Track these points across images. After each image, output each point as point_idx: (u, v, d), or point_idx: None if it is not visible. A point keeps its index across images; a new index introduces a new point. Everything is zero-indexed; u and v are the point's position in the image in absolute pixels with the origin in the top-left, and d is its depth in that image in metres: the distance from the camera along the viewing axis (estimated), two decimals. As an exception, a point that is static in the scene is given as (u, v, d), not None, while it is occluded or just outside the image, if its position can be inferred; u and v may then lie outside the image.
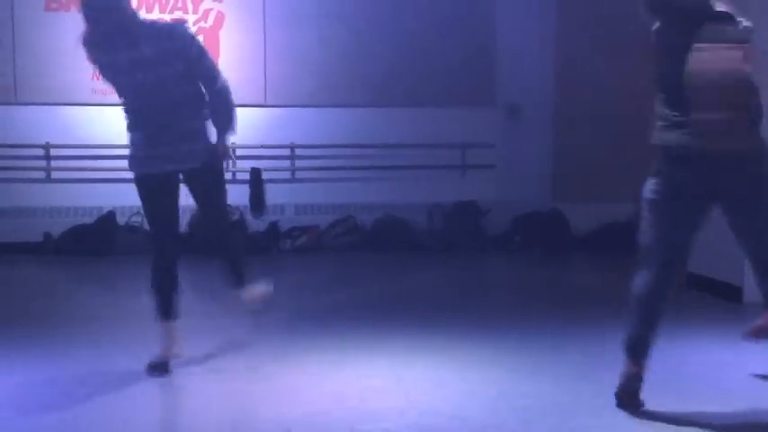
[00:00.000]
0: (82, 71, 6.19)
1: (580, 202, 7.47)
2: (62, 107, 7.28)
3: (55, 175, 7.33)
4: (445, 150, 7.81)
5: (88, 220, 7.28)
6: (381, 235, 7.33)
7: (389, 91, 7.68)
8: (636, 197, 8.20)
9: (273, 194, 7.40)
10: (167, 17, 7.09)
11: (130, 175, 3.63)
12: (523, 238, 7.36)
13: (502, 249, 7.18)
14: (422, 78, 7.70)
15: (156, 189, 3.57)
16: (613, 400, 3.15)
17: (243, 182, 7.42)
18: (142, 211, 3.81)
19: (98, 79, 3.85)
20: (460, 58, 7.74)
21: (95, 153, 7.24)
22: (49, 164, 7.31)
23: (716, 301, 5.08)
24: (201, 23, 7.46)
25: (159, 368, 3.48)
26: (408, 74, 7.69)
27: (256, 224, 7.28)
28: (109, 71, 3.47)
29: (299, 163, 7.56)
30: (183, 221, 7.02)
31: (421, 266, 6.67)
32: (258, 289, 3.85)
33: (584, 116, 7.60)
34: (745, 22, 2.99)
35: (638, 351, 3.11)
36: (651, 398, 3.22)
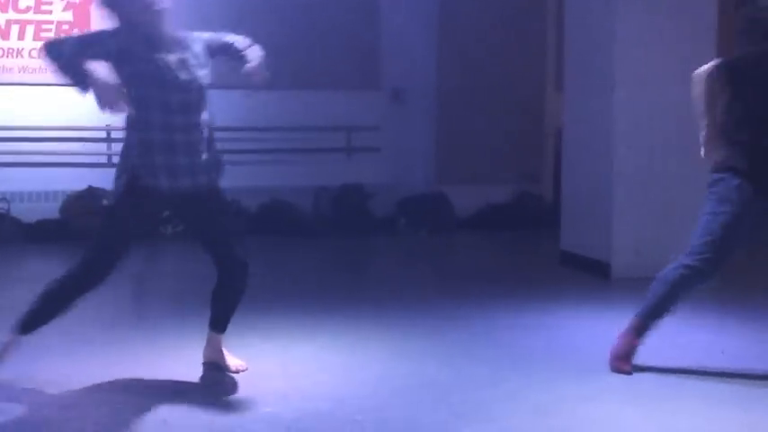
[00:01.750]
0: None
1: (463, 185, 7.66)
2: None
3: None
4: (330, 133, 7.80)
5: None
6: (266, 219, 7.25)
7: (273, 73, 7.57)
8: (515, 178, 8.48)
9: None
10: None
11: None
12: (409, 221, 7.48)
13: (388, 232, 7.27)
14: (306, 61, 7.64)
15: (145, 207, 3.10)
16: (494, 375, 3.27)
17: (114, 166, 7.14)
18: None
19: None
20: (345, 41, 7.73)
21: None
22: None
23: (587, 277, 5.35)
24: (71, -3, 7.09)
25: None
26: (293, 57, 7.61)
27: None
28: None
29: (180, 146, 7.35)
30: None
31: (306, 250, 6.65)
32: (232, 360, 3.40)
33: (466, 100, 7.77)
34: None
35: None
36: (528, 369, 3.36)
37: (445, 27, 7.80)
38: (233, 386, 3.21)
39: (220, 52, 3.34)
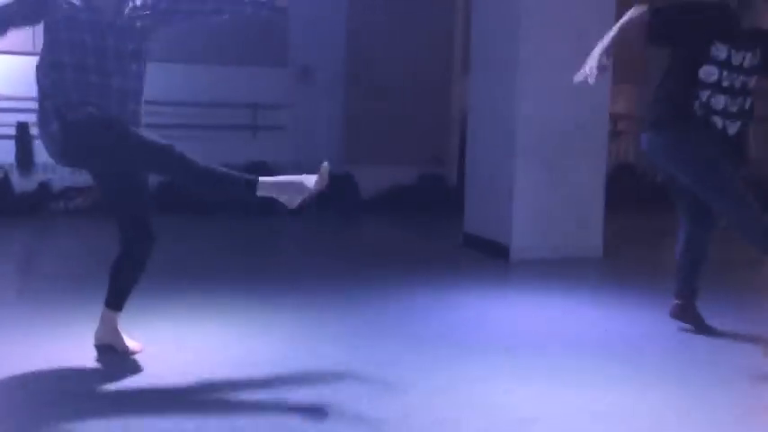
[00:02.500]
0: None
1: (370, 165, 7.65)
2: None
3: None
4: (236, 110, 7.62)
5: None
6: (166, 196, 7.02)
7: (176, 46, 7.31)
8: (421, 160, 8.56)
9: (44, 152, 6.80)
10: None
11: None
12: (313, 201, 7.40)
13: (293, 211, 7.17)
14: (212, 35, 7.41)
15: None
16: (392, 356, 3.28)
17: (8, 137, 6.74)
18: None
19: None
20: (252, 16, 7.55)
21: None
22: None
23: (487, 260, 5.45)
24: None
25: None
26: (197, 30, 7.36)
27: (24, 184, 6.67)
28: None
29: (74, 118, 7.00)
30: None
31: (207, 230, 6.49)
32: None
33: (374, 81, 7.75)
34: None
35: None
36: (424, 349, 3.39)
37: (354, 6, 7.74)
38: (131, 368, 3.08)
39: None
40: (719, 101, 3.25)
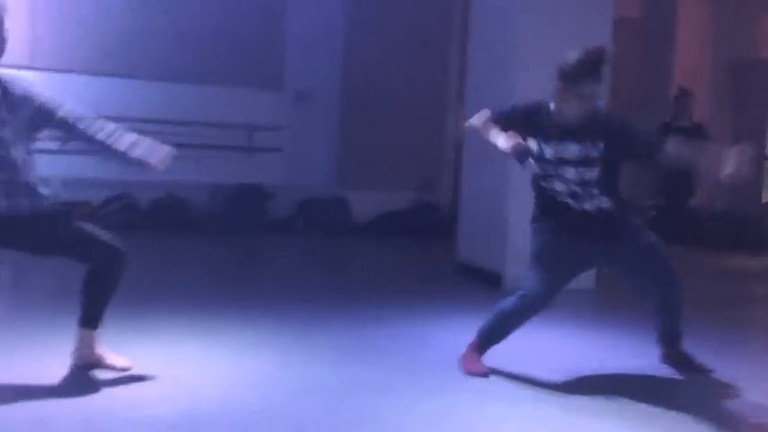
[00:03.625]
0: None
1: (363, 190, 7.68)
2: None
3: None
4: (232, 131, 7.65)
5: None
6: (160, 214, 7.02)
7: (175, 66, 7.37)
8: (414, 187, 8.60)
9: (39, 166, 6.78)
10: None
11: None
12: (306, 222, 7.42)
13: (284, 233, 7.18)
14: (210, 56, 7.47)
15: None
16: (386, 382, 3.27)
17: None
18: None
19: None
20: (250, 38, 7.61)
21: None
22: None
23: (479, 287, 5.46)
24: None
25: None
26: (196, 50, 7.43)
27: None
28: None
29: (70, 134, 7.00)
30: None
31: (199, 248, 6.48)
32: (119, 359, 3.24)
33: (370, 107, 7.81)
34: None
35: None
36: (415, 377, 3.38)
37: (351, 33, 7.82)
38: (116, 386, 3.06)
39: (59, 127, 3.07)
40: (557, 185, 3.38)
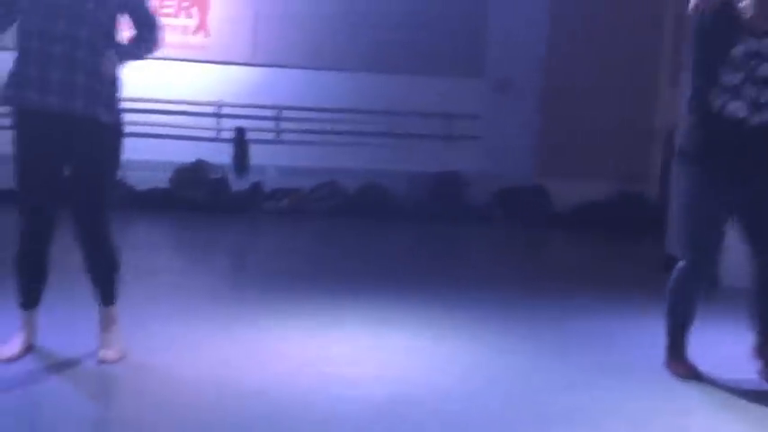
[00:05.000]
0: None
1: (563, 179, 7.49)
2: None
3: None
4: (431, 120, 7.77)
5: None
6: (363, 201, 7.32)
7: (379, 57, 7.61)
8: (619, 176, 8.24)
9: (257, 155, 7.35)
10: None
11: None
12: (504, 212, 7.38)
13: (482, 222, 7.20)
14: (411, 46, 7.63)
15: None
16: (585, 381, 3.20)
17: (227, 141, 7.36)
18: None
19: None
20: (451, 28, 7.67)
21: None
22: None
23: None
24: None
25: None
26: (398, 41, 7.61)
27: (239, 184, 7.24)
28: None
29: (284, 125, 7.50)
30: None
31: (400, 235, 6.68)
32: (115, 348, 3.12)
33: (572, 93, 7.58)
34: None
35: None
36: (621, 377, 3.26)
37: (556, 17, 7.62)
38: (328, 365, 3.25)
39: (131, 16, 3.10)
40: None
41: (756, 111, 3.08)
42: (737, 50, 3.07)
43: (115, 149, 3.08)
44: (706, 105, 3.14)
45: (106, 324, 3.15)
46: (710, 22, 3.09)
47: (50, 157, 2.98)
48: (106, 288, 3.14)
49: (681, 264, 3.27)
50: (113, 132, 3.05)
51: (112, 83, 3.05)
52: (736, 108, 3.09)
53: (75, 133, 2.97)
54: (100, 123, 2.98)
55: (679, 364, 3.29)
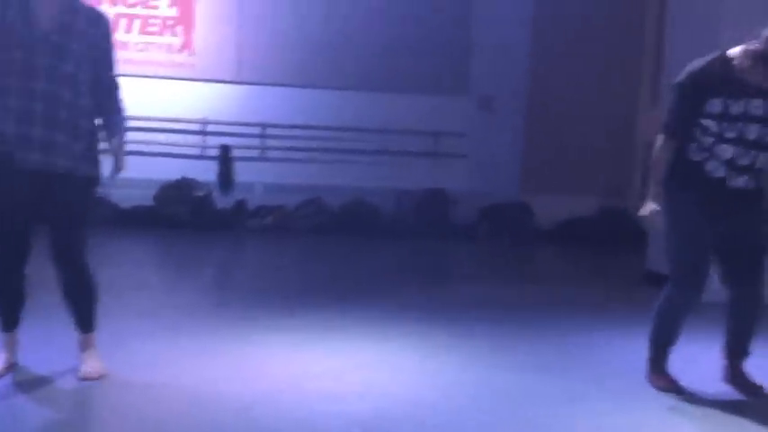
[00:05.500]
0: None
1: (547, 195, 7.55)
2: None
3: None
4: (417, 137, 7.82)
5: None
6: (348, 218, 7.33)
7: (364, 75, 7.66)
8: (601, 192, 8.31)
9: (242, 172, 7.37)
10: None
11: None
12: (489, 229, 7.42)
13: (468, 238, 7.23)
14: (397, 64, 7.69)
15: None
16: (567, 392, 3.22)
17: (212, 158, 7.36)
18: None
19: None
20: (436, 46, 7.74)
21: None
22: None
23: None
24: (177, -7, 7.37)
25: None
26: (384, 59, 7.68)
27: (223, 201, 7.24)
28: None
29: (269, 142, 7.52)
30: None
31: (386, 252, 6.69)
32: (96, 365, 3.11)
33: (556, 111, 7.66)
34: None
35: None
36: (603, 388, 3.28)
37: (539, 35, 7.71)
38: (311, 381, 3.25)
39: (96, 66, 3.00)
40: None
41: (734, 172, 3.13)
42: (719, 109, 3.10)
43: (92, 198, 3.09)
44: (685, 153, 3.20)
45: (85, 347, 3.14)
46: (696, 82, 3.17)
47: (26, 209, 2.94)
48: (83, 316, 3.11)
49: (668, 288, 3.29)
50: (91, 183, 3.04)
51: (92, 133, 3.00)
52: (716, 168, 3.14)
53: (54, 187, 2.92)
54: (78, 177, 2.95)
55: (660, 377, 3.32)
